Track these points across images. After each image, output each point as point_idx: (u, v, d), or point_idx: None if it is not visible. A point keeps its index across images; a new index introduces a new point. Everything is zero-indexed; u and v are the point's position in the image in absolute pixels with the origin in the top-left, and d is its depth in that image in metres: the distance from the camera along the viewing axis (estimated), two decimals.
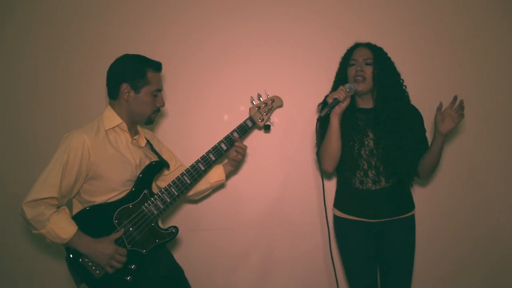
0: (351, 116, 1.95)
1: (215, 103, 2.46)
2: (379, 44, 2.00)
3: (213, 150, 1.90)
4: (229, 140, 1.95)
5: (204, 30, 2.44)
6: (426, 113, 2.04)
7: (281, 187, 2.47)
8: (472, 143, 2.47)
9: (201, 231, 2.46)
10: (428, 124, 2.02)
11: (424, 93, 2.30)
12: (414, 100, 2.03)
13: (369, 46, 1.98)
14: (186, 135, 2.43)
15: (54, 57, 2.44)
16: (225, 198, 2.46)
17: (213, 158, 1.89)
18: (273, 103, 2.12)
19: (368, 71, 1.91)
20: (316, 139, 1.98)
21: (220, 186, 2.20)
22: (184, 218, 2.47)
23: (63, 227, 1.56)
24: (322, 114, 1.85)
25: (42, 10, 2.43)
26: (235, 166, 2.06)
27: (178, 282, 1.92)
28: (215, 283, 2.49)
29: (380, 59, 1.93)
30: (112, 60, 2.45)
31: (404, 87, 1.99)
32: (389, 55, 2.00)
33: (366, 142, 1.93)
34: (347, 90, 1.87)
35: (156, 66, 1.75)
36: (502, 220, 2.49)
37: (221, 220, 2.49)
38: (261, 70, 2.44)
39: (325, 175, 2.28)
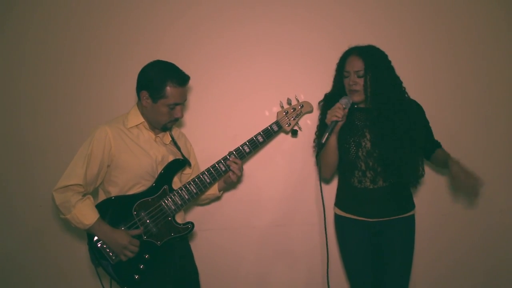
0: (349, 115, 1.92)
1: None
2: (378, 45, 1.96)
3: (235, 151, 1.93)
4: (253, 143, 1.96)
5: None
6: (426, 113, 2.04)
7: (282, 187, 2.47)
8: (472, 143, 2.45)
9: (201, 231, 2.46)
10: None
11: (423, 93, 2.30)
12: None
13: (360, 54, 1.89)
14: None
15: (54, 57, 2.43)
16: (225, 198, 2.45)
17: None
18: (302, 109, 2.11)
19: (361, 83, 1.88)
20: (315, 151, 1.98)
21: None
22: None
23: (86, 214, 1.67)
24: (323, 140, 1.84)
25: (42, 9, 2.41)
26: (228, 184, 2.02)
27: (189, 282, 1.96)
28: (215, 282, 2.48)
29: (371, 69, 1.86)
30: (113, 60, 2.46)
31: (403, 89, 1.96)
32: (387, 54, 1.94)
33: (363, 144, 1.93)
34: (344, 106, 1.86)
35: (179, 81, 1.73)
36: (502, 220, 2.49)
37: (222, 220, 2.48)
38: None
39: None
